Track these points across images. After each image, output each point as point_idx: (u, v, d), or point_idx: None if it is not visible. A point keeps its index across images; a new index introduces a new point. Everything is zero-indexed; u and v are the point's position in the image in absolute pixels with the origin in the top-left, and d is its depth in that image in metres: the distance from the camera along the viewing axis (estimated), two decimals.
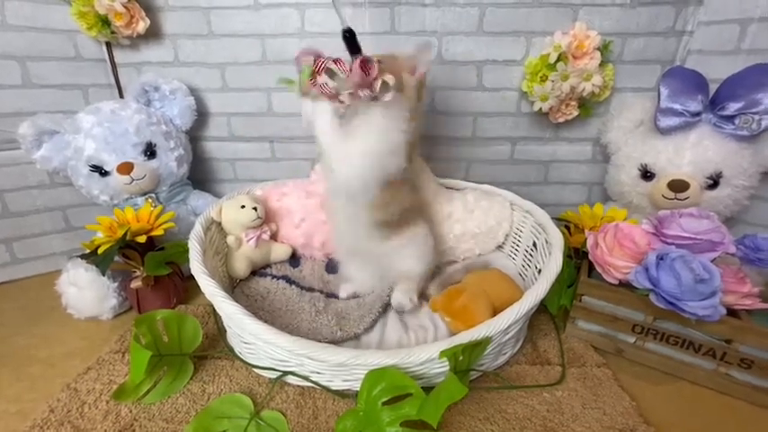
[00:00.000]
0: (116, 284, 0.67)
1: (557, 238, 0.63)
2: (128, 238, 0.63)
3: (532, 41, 0.81)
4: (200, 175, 0.94)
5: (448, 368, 0.46)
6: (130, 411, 0.50)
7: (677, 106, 0.71)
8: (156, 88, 0.79)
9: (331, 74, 0.52)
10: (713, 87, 0.71)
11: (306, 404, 0.51)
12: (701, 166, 0.70)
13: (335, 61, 0.52)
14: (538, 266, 0.68)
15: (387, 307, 0.66)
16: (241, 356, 0.57)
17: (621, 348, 0.60)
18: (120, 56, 0.83)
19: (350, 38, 0.54)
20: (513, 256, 0.80)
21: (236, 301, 0.51)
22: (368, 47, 0.80)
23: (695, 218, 0.57)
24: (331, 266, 0.78)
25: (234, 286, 0.73)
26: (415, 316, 0.66)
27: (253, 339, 0.52)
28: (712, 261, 0.52)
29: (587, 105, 0.85)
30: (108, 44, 0.81)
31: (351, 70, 0.51)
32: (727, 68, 0.70)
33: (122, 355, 0.59)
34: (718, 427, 0.51)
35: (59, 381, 0.55)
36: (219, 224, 0.72)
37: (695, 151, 0.71)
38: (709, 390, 0.56)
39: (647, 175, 0.76)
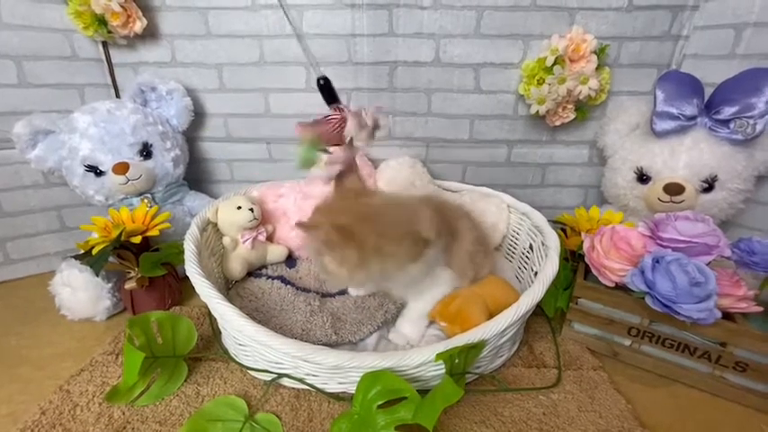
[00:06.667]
0: (110, 285, 0.67)
1: (553, 240, 0.63)
2: (123, 238, 0.63)
3: (530, 44, 0.81)
4: (196, 176, 0.93)
5: (444, 371, 0.46)
6: (123, 414, 0.49)
7: (673, 110, 0.72)
8: (153, 88, 0.79)
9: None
10: (708, 91, 0.72)
11: (301, 407, 0.51)
12: (696, 169, 0.71)
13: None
14: (534, 269, 0.68)
15: (387, 320, 0.63)
16: (236, 358, 0.57)
17: (617, 351, 0.60)
18: (116, 56, 0.82)
19: (325, 86, 0.50)
20: (510, 258, 0.80)
21: (231, 303, 0.50)
22: (366, 49, 0.82)
23: (691, 221, 0.58)
24: None
25: (229, 287, 0.72)
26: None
27: (248, 341, 0.51)
28: (708, 264, 0.52)
29: (584, 108, 0.85)
30: (105, 44, 0.81)
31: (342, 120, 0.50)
32: (722, 73, 0.70)
33: (116, 356, 0.58)
34: (713, 429, 0.51)
35: (51, 382, 0.54)
36: (215, 225, 0.71)
37: (691, 155, 0.71)
38: (704, 393, 0.56)
39: (642, 178, 0.76)
